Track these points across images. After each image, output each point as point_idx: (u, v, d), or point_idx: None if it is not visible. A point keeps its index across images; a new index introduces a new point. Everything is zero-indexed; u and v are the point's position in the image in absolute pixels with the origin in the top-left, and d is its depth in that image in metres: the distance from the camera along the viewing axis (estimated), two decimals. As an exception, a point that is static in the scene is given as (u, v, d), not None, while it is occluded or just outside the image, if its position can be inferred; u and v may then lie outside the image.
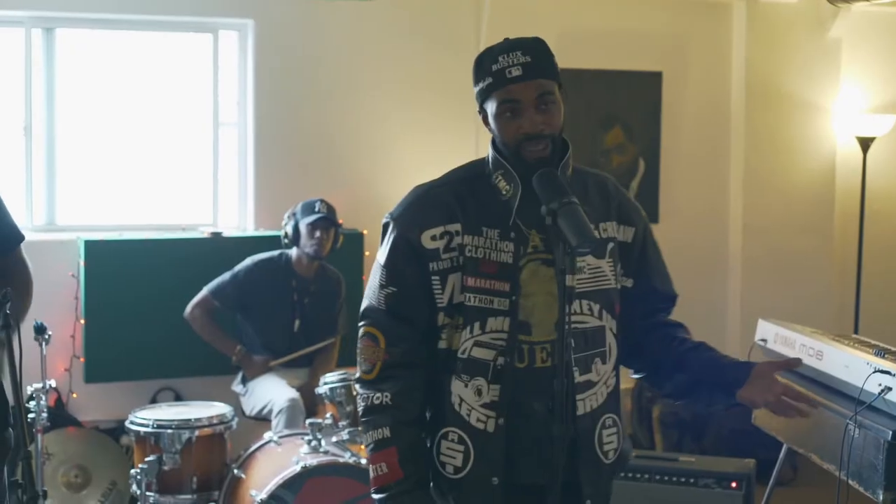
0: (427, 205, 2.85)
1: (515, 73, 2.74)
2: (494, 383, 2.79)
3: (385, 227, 2.90)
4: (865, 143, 7.69)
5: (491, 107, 2.79)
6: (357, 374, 2.92)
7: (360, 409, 2.90)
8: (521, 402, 2.80)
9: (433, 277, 2.82)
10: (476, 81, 2.82)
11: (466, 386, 2.81)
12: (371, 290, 2.89)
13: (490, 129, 2.85)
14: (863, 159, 7.74)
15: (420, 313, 2.83)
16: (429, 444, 2.88)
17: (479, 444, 2.81)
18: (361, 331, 2.90)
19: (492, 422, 2.79)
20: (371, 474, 2.86)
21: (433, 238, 2.81)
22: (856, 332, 7.65)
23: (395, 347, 2.84)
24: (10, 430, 3.34)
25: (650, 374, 3.07)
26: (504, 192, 2.82)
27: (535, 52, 2.77)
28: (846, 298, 7.96)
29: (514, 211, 2.80)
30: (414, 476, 2.82)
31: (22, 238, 3.34)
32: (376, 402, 2.84)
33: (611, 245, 2.90)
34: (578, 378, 2.80)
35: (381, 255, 2.89)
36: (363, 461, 4.85)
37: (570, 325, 2.66)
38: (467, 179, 2.89)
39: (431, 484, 2.87)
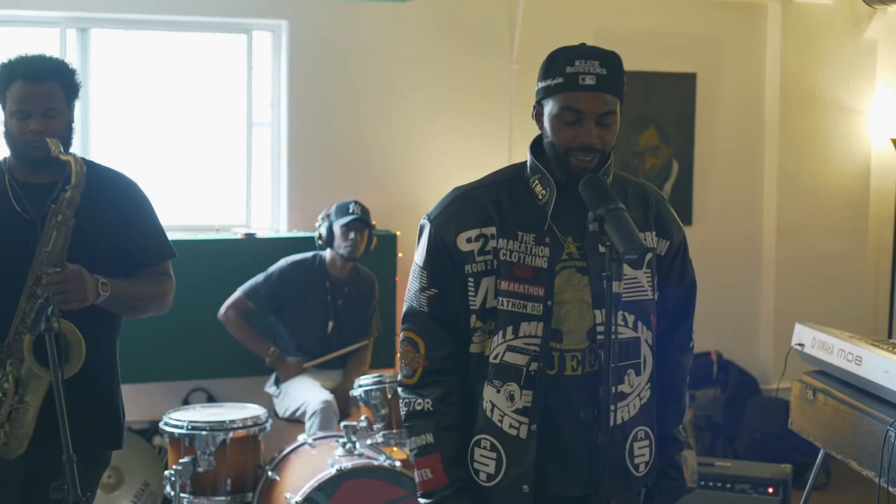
0: (463, 207, 2.84)
1: (588, 82, 2.70)
2: (527, 389, 2.77)
3: (421, 228, 2.90)
4: (901, 146, 7.64)
5: (552, 106, 2.75)
6: (399, 377, 2.92)
7: (402, 412, 2.91)
8: (551, 410, 2.79)
9: (469, 279, 2.80)
10: (544, 77, 2.77)
11: (499, 392, 2.79)
12: (411, 293, 2.89)
13: (540, 127, 2.82)
14: (899, 161, 7.69)
15: (459, 315, 2.83)
16: None
17: (511, 450, 2.79)
18: (402, 335, 2.90)
19: (524, 428, 2.78)
20: (417, 479, 2.87)
21: (468, 241, 2.80)
22: (890, 335, 7.61)
23: (434, 353, 2.84)
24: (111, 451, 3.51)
25: None
26: (541, 197, 2.80)
27: (611, 65, 2.73)
28: (880, 301, 7.91)
29: (549, 215, 2.78)
30: (458, 482, 2.82)
31: (170, 255, 3.59)
32: (418, 407, 2.85)
33: (649, 256, 2.87)
34: (601, 390, 2.75)
35: (419, 256, 2.88)
36: (398, 464, 4.85)
37: (616, 333, 2.64)
38: (506, 182, 2.87)
39: None
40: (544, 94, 2.77)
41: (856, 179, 7.80)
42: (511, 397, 2.78)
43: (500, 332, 2.78)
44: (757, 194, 7.79)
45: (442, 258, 2.82)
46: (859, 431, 4.30)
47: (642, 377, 2.87)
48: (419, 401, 2.84)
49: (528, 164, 2.86)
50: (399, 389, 2.93)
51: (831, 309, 7.51)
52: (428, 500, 2.84)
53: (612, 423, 2.74)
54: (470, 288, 2.81)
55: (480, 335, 2.82)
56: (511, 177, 2.88)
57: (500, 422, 2.80)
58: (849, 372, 4.45)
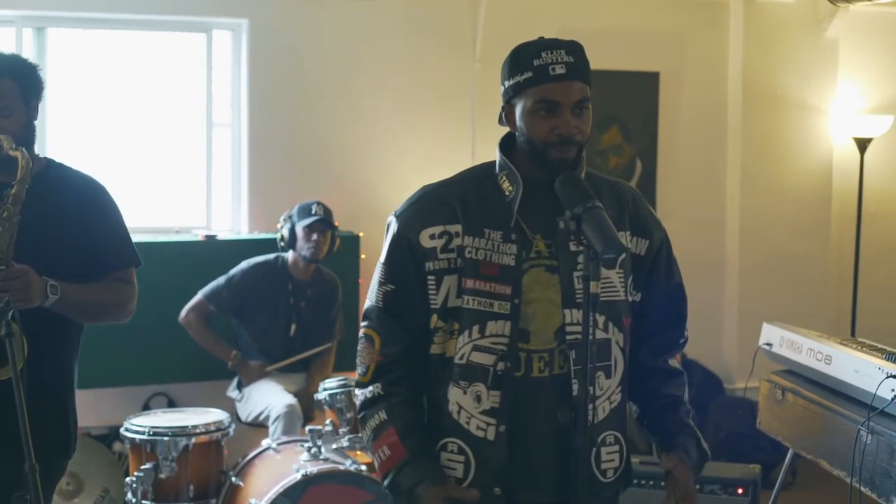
0: (429, 204, 2.80)
1: (559, 71, 2.66)
2: (495, 389, 2.72)
3: (388, 225, 2.86)
4: (863, 144, 7.66)
5: (525, 102, 2.70)
6: (356, 379, 2.87)
7: (357, 409, 2.86)
8: (518, 413, 2.73)
9: (429, 277, 2.76)
10: (511, 75, 2.72)
11: (465, 392, 2.74)
12: (372, 289, 2.85)
13: (512, 127, 2.77)
14: (860, 160, 7.71)
15: (415, 313, 2.78)
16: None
17: (479, 453, 2.74)
18: (361, 332, 2.86)
19: (492, 429, 2.72)
20: (376, 464, 2.79)
21: (432, 237, 2.76)
22: (853, 333, 7.63)
23: (388, 349, 2.79)
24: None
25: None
26: (507, 193, 2.76)
27: (576, 53, 2.71)
28: (843, 300, 7.93)
29: (515, 211, 2.73)
30: (417, 448, 2.75)
31: (134, 263, 3.49)
32: (369, 395, 2.80)
33: (622, 256, 2.79)
34: (578, 392, 2.70)
35: (383, 253, 2.84)
36: (364, 468, 4.79)
37: (594, 335, 2.59)
38: (474, 180, 2.83)
39: None
40: (514, 91, 2.71)
41: (818, 178, 7.82)
42: (478, 398, 2.72)
43: (466, 332, 2.73)
44: (720, 193, 7.80)
45: (402, 255, 2.78)
46: (830, 431, 4.29)
47: (612, 380, 2.81)
48: (370, 389, 2.80)
49: (497, 161, 2.81)
50: (355, 391, 2.88)
51: (795, 308, 7.52)
52: (389, 479, 2.75)
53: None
54: (431, 286, 2.76)
55: (442, 335, 2.77)
56: (480, 175, 2.84)
57: (468, 423, 2.74)
58: (818, 371, 4.44)
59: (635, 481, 4.65)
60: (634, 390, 2.96)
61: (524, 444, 2.73)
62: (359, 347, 2.86)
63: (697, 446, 2.93)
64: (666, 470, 2.85)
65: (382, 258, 2.84)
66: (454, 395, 2.75)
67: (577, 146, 2.70)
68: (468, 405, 2.74)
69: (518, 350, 2.72)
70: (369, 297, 2.86)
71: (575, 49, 2.71)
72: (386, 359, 2.79)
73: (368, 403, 2.80)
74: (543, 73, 2.66)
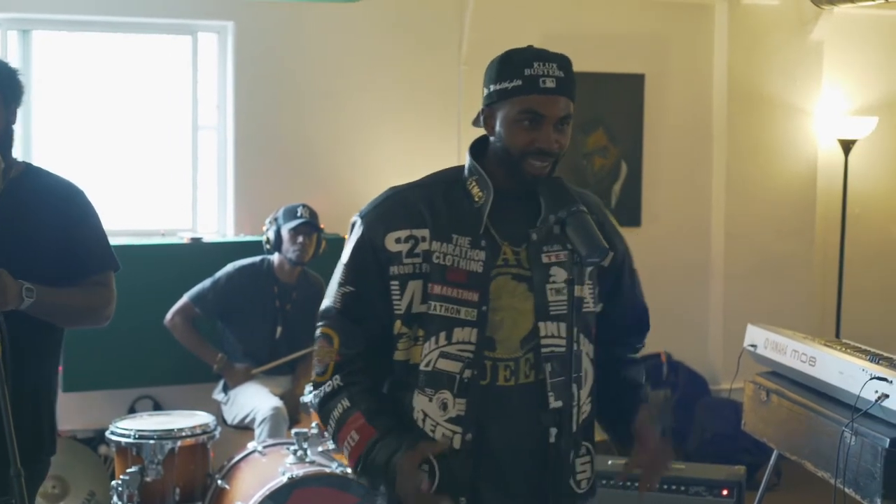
0: (396, 206, 2.76)
1: (549, 85, 2.64)
2: (461, 397, 2.67)
3: (353, 225, 2.81)
4: (847, 146, 7.68)
5: (509, 110, 2.67)
6: (311, 378, 2.81)
7: (314, 407, 2.78)
8: (483, 423, 2.69)
9: (392, 282, 2.70)
10: (498, 80, 2.68)
11: (430, 400, 2.69)
12: (331, 289, 2.79)
13: (489, 130, 2.74)
14: (844, 162, 7.73)
15: (376, 317, 2.72)
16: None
17: (444, 461, 2.68)
18: (318, 332, 2.79)
19: (458, 437, 2.67)
20: (345, 452, 2.72)
21: (398, 241, 2.71)
22: (837, 335, 7.65)
23: (348, 349, 2.73)
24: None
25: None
26: (477, 199, 2.73)
27: (566, 69, 2.68)
28: (828, 302, 7.95)
29: (485, 217, 2.71)
30: (385, 426, 2.68)
31: (112, 267, 3.45)
32: (328, 390, 2.73)
33: (590, 267, 2.76)
34: (553, 404, 2.69)
35: (345, 253, 2.79)
36: (350, 471, 4.77)
37: (577, 343, 2.59)
38: (443, 184, 2.79)
39: None
40: (499, 96, 2.68)
41: (803, 180, 7.84)
42: (444, 406, 2.68)
43: (433, 338, 2.69)
44: (705, 195, 7.81)
45: (366, 257, 2.73)
46: (814, 432, 4.31)
47: (584, 391, 2.78)
48: (328, 384, 2.73)
49: (467, 165, 2.79)
50: (309, 388, 2.82)
51: (780, 309, 7.54)
52: (362, 464, 2.68)
53: (551, 441, 2.67)
54: (394, 291, 2.71)
55: (406, 342, 2.72)
56: (449, 179, 2.81)
57: (433, 431, 2.69)
58: (802, 373, 4.46)
59: (622, 483, 4.68)
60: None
61: (490, 454, 2.70)
62: (316, 347, 2.79)
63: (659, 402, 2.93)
64: (634, 432, 2.81)
65: (344, 259, 2.78)
66: (419, 402, 2.70)
67: (554, 158, 2.69)
68: (433, 413, 2.69)
69: (484, 358, 2.68)
70: (327, 296, 2.79)
71: (565, 65, 2.68)
72: (344, 358, 2.73)
73: (328, 396, 2.73)
74: (533, 84, 2.63)
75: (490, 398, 2.68)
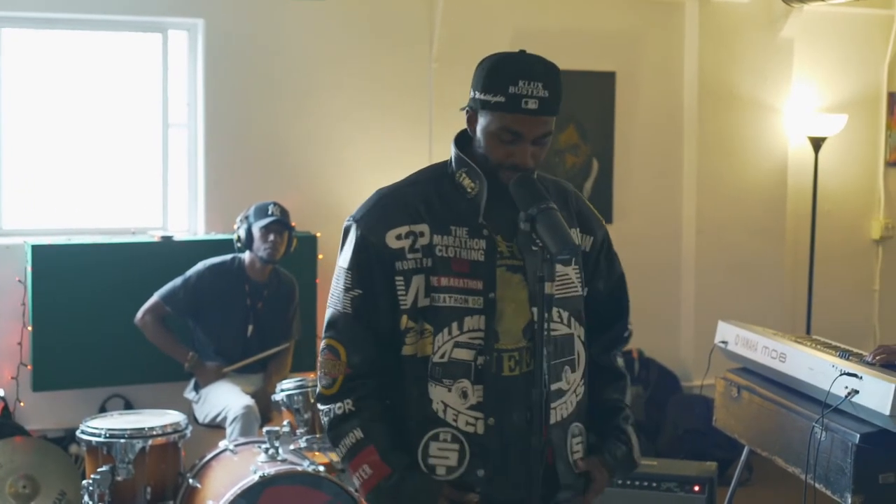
0: (391, 205, 2.77)
1: (531, 106, 2.63)
2: (478, 384, 2.70)
3: (346, 230, 2.80)
4: (817, 143, 7.72)
5: (489, 122, 2.68)
6: (318, 389, 2.82)
7: (324, 424, 2.81)
8: (496, 409, 2.72)
9: (398, 277, 2.72)
10: (483, 89, 2.68)
11: (450, 390, 2.70)
12: (334, 297, 2.79)
13: (472, 130, 2.75)
14: (814, 159, 7.77)
15: (384, 318, 2.74)
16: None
17: (473, 446, 2.70)
18: (323, 343, 2.81)
19: (480, 423, 2.70)
20: (357, 482, 2.75)
21: (398, 237, 2.72)
22: (808, 331, 7.69)
23: (355, 358, 2.74)
24: None
25: None
26: (469, 190, 2.74)
27: (552, 86, 2.65)
28: (798, 298, 8.00)
29: (481, 207, 2.73)
30: (401, 465, 2.72)
31: None
32: (339, 412, 2.75)
33: (576, 256, 2.83)
34: (550, 387, 2.73)
35: (344, 258, 2.79)
36: (322, 469, 4.77)
37: (549, 332, 2.60)
38: (431, 181, 2.81)
39: None
40: (482, 106, 2.69)
41: (773, 177, 7.87)
42: (464, 394, 2.70)
43: (445, 330, 2.70)
44: (676, 192, 7.83)
45: (369, 259, 2.74)
46: (784, 428, 4.33)
47: (577, 373, 2.83)
48: (339, 405, 2.75)
49: (453, 157, 2.80)
50: (318, 402, 2.84)
51: (751, 306, 7.58)
52: (375, 498, 2.73)
53: (552, 422, 2.71)
54: (399, 287, 2.73)
55: (413, 336, 2.73)
56: (435, 175, 2.82)
57: (455, 420, 2.71)
58: (773, 369, 4.48)
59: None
60: None
61: (501, 444, 2.72)
62: (321, 359, 2.80)
63: (627, 455, 2.92)
64: (584, 471, 2.83)
65: (346, 264, 2.78)
66: (438, 394, 2.71)
67: (529, 171, 2.71)
68: (454, 402, 2.71)
69: (493, 348, 2.71)
70: (332, 305, 2.80)
71: (551, 81, 2.66)
72: (354, 370, 2.75)
73: (339, 420, 2.76)
74: (515, 103, 2.63)
75: (499, 388, 2.71)
